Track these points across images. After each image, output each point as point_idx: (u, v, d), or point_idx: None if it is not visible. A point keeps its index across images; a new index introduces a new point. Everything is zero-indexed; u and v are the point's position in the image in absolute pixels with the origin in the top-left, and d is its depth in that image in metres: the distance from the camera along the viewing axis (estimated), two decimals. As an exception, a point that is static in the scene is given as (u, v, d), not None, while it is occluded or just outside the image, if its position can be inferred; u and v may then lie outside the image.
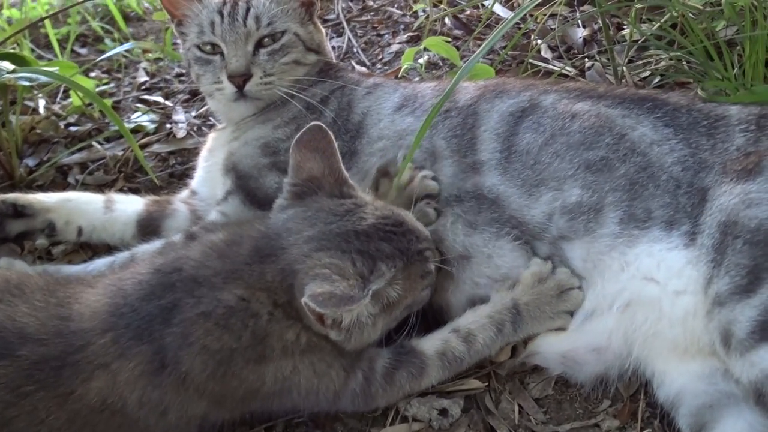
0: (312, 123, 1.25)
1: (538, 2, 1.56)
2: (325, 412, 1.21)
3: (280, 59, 1.60)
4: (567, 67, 2.10)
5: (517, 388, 1.26)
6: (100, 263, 1.45)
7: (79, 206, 1.64)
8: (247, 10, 1.60)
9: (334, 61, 1.83)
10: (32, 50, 2.59)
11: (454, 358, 1.21)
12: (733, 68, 1.65)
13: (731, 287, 1.08)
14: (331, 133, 1.24)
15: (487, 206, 1.31)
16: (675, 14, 1.97)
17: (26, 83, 1.58)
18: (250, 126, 1.62)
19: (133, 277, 1.15)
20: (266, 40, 1.60)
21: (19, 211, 1.61)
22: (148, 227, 1.63)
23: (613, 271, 1.22)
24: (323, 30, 1.78)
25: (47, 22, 2.48)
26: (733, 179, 1.19)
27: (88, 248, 1.66)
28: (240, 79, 1.55)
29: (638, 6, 2.01)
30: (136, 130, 2.11)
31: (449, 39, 2.24)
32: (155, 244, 1.44)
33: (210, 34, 1.61)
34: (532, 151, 1.32)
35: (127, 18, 2.98)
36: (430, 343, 1.22)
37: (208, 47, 1.62)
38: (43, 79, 1.57)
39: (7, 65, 1.53)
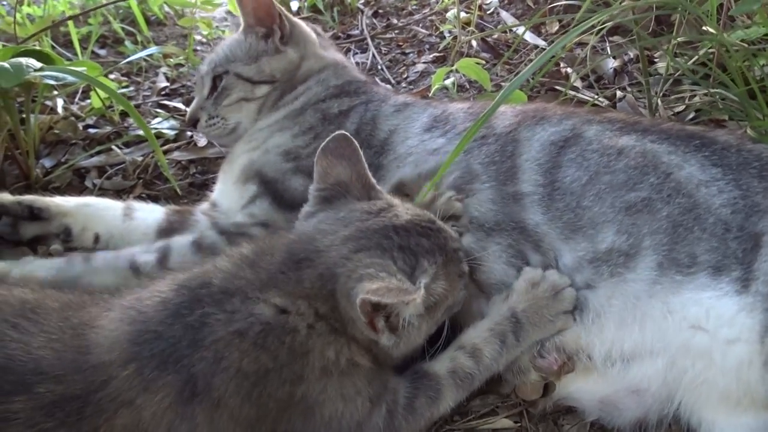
0: (337, 132, 1.24)
1: (578, 35, 1.52)
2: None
3: (222, 101, 1.73)
4: (599, 98, 2.06)
5: (551, 430, 1.21)
6: (134, 251, 1.43)
7: (98, 212, 1.58)
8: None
9: (354, 74, 1.84)
10: (52, 47, 2.54)
11: (465, 375, 1.18)
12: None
13: None
14: (356, 142, 1.23)
15: (532, 243, 1.26)
16: (711, 50, 1.94)
17: (52, 82, 1.53)
18: (266, 135, 1.63)
19: (153, 296, 1.08)
20: (217, 81, 1.74)
21: (35, 214, 1.55)
22: (168, 238, 1.57)
23: (654, 318, 1.16)
24: (304, 42, 1.80)
25: (70, 21, 2.44)
26: None
27: (104, 255, 1.59)
28: (191, 124, 1.78)
29: (676, 41, 1.98)
30: (156, 137, 2.06)
31: (478, 62, 2.21)
32: (188, 237, 1.46)
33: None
34: (576, 191, 1.27)
35: (147, 22, 2.95)
36: (440, 364, 1.18)
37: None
38: (70, 79, 1.52)
39: (34, 63, 1.48)
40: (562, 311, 1.21)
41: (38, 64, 1.49)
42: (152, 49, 2.23)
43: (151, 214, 1.61)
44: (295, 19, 1.84)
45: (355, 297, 0.99)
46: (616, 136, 1.34)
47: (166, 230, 1.59)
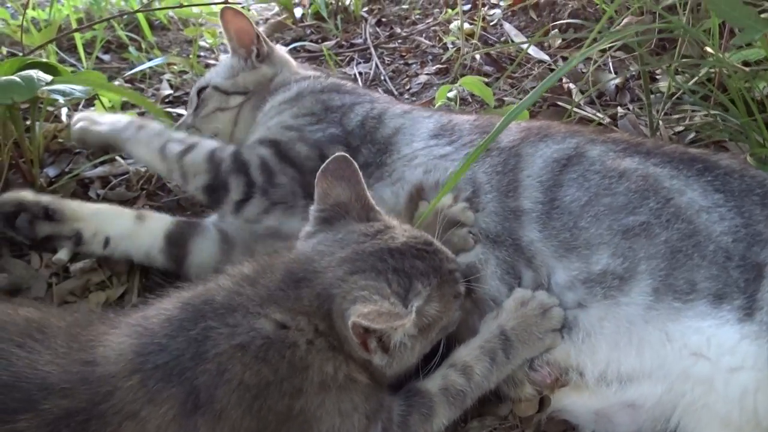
0: (337, 153, 1.26)
1: (592, 52, 1.53)
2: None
3: (201, 113, 1.92)
4: (600, 114, 2.07)
5: (547, 450, 1.22)
6: (171, 136, 1.71)
7: (109, 217, 1.59)
8: None
9: (346, 82, 1.95)
10: (56, 53, 2.55)
11: (456, 392, 1.19)
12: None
13: None
14: (356, 164, 1.25)
15: (525, 260, 1.28)
16: (712, 70, 1.96)
17: (59, 97, 1.52)
18: (266, 120, 1.74)
19: (159, 314, 1.10)
20: (200, 96, 1.93)
21: (49, 215, 1.56)
22: (177, 242, 1.58)
23: (652, 345, 1.16)
24: (280, 64, 1.97)
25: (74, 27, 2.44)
26: None
27: (107, 267, 1.60)
28: None
29: (678, 62, 1.99)
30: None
31: (483, 77, 2.22)
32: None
33: None
34: (575, 212, 1.28)
35: (151, 26, 2.95)
36: (432, 382, 1.20)
37: None
38: (77, 94, 1.52)
39: (45, 76, 1.47)
40: (551, 329, 1.23)
41: (48, 77, 1.49)
42: (157, 60, 2.24)
43: (161, 221, 1.62)
44: (275, 45, 2.03)
45: (348, 319, 1.01)
46: (619, 157, 1.35)
47: (175, 235, 1.59)
